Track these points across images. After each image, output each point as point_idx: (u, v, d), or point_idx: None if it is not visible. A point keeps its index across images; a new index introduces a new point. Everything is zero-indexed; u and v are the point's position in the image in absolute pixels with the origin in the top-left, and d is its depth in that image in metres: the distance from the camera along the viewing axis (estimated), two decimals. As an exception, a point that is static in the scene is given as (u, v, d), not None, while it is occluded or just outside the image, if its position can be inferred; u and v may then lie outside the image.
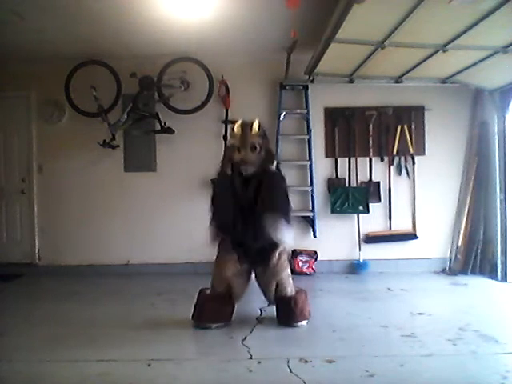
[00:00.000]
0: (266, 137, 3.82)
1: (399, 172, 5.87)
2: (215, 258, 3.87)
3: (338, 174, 5.90)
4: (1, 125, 6.07)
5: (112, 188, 5.97)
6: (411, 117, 5.82)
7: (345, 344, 3.39)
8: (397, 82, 5.49)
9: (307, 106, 5.78)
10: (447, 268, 5.77)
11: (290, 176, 5.80)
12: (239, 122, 3.70)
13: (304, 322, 3.82)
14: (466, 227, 5.67)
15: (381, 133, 5.87)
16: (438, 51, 4.28)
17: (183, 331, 3.94)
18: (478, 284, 5.20)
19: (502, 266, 5.26)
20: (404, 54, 4.44)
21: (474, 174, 5.69)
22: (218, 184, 3.88)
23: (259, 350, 3.27)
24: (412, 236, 5.85)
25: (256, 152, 3.64)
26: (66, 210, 5.98)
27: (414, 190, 5.87)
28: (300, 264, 5.71)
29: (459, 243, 5.69)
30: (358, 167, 5.87)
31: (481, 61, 4.50)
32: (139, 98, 5.72)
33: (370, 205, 5.77)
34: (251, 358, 3.13)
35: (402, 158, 5.86)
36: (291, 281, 3.89)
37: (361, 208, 5.76)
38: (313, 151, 5.78)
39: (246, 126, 3.67)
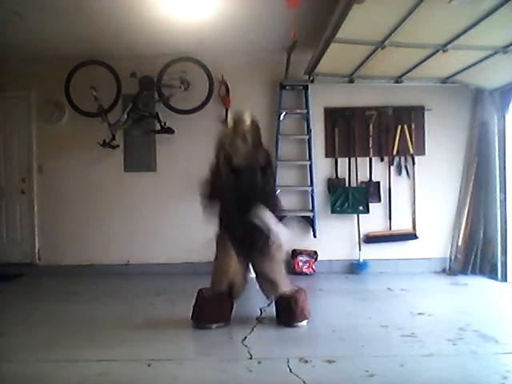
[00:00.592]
0: (258, 127, 3.88)
1: (399, 172, 5.87)
2: (214, 256, 3.89)
3: (338, 173, 5.90)
4: (1, 125, 6.08)
5: (112, 188, 5.97)
6: (411, 117, 5.82)
7: (345, 344, 3.40)
8: (397, 82, 5.49)
9: (307, 106, 5.78)
10: (447, 268, 5.78)
11: (290, 176, 5.84)
12: (231, 115, 3.79)
13: (304, 322, 3.83)
14: (466, 227, 5.67)
15: (381, 133, 5.87)
16: (438, 51, 4.28)
17: (183, 331, 3.94)
18: (478, 284, 5.20)
19: (502, 266, 5.26)
20: (404, 54, 4.44)
21: (473, 174, 5.69)
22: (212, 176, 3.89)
23: (259, 349, 3.27)
24: (412, 236, 5.85)
25: (247, 143, 3.74)
26: (66, 209, 5.98)
27: (414, 190, 5.87)
28: (300, 264, 5.71)
29: (459, 243, 5.69)
30: (358, 167, 5.87)
31: (481, 61, 4.50)
32: (139, 98, 5.72)
33: (370, 205, 5.76)
34: (251, 358, 3.13)
35: (402, 158, 5.86)
36: (285, 277, 3.93)
37: (361, 208, 5.77)
38: (313, 151, 5.78)
39: (238, 118, 3.78)
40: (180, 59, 5.61)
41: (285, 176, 5.82)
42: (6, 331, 3.79)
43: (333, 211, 5.77)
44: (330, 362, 3.05)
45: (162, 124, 5.69)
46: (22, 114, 6.05)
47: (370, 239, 5.85)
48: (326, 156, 5.91)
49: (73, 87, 5.76)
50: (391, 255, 5.83)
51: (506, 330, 3.72)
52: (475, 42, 4.01)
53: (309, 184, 5.80)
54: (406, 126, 5.81)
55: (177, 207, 5.88)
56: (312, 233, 5.78)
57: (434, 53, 4.34)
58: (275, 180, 3.95)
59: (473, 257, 5.57)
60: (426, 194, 5.86)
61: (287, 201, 5.83)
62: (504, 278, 5.22)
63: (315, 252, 5.78)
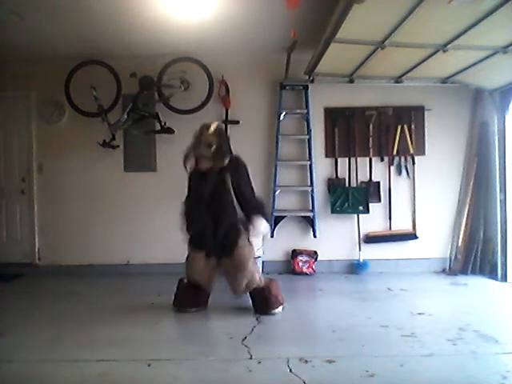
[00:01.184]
0: (223, 135, 4.34)
1: (399, 172, 5.87)
2: (187, 255, 4.30)
3: (338, 173, 5.90)
4: (1, 125, 6.08)
5: (112, 188, 5.97)
6: (411, 117, 5.82)
7: (345, 344, 3.39)
8: (397, 82, 5.49)
9: (307, 106, 5.78)
10: (447, 268, 5.78)
11: (290, 176, 5.84)
12: (201, 125, 4.25)
13: (280, 308, 4.14)
14: (466, 227, 5.67)
15: (381, 133, 5.87)
16: (438, 51, 4.28)
17: (183, 331, 3.95)
18: (478, 284, 5.20)
19: (502, 266, 5.26)
20: (404, 54, 4.44)
21: (473, 174, 5.69)
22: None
23: (259, 349, 3.27)
24: (412, 236, 5.85)
25: (211, 149, 4.11)
26: (66, 209, 5.99)
27: (414, 190, 5.87)
28: (300, 264, 5.71)
29: (459, 243, 5.69)
30: (358, 167, 5.87)
31: (481, 61, 4.50)
32: (139, 98, 5.72)
33: (370, 205, 5.76)
34: (251, 358, 3.13)
35: (402, 158, 5.86)
36: (258, 269, 4.29)
37: (361, 208, 5.77)
38: (313, 151, 5.78)
39: (204, 127, 4.19)
40: (180, 59, 5.61)
41: (285, 176, 5.82)
42: (6, 331, 3.78)
43: (333, 211, 5.77)
44: (330, 361, 3.04)
45: (162, 124, 5.69)
46: (22, 114, 6.05)
47: (370, 239, 5.85)
48: (326, 156, 5.91)
49: (73, 87, 5.76)
50: (391, 255, 5.83)
51: (506, 330, 3.72)
52: (475, 42, 4.01)
53: (309, 184, 5.80)
54: (405, 126, 5.81)
55: (177, 207, 5.86)
56: (312, 233, 5.78)
57: (434, 53, 4.34)
58: (250, 183, 4.25)
59: (473, 257, 5.57)
60: (425, 194, 5.86)
61: (287, 201, 5.87)
62: (504, 278, 5.22)
63: (315, 252, 5.78)
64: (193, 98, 5.66)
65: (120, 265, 5.87)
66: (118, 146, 5.82)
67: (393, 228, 5.88)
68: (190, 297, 4.21)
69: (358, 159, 5.87)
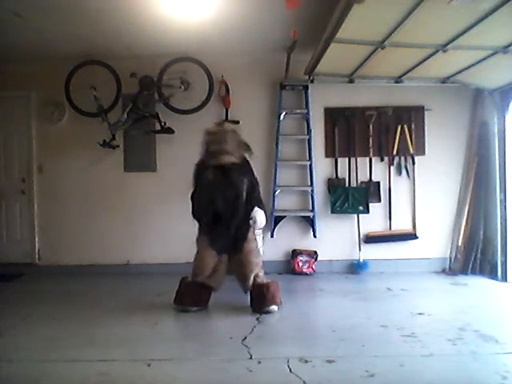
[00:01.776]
0: (238, 135, 4.41)
1: (399, 172, 5.87)
2: (196, 252, 4.33)
3: (338, 173, 5.90)
4: (1, 125, 6.08)
5: (112, 188, 5.97)
6: (411, 117, 5.82)
7: (345, 344, 3.39)
8: (397, 82, 5.49)
9: (307, 106, 5.78)
10: (447, 268, 5.78)
11: (290, 176, 5.84)
12: (215, 123, 4.55)
13: (275, 308, 4.15)
14: (465, 227, 5.67)
15: (381, 133, 5.87)
16: (438, 51, 4.27)
17: (183, 331, 3.95)
18: (478, 284, 5.20)
19: (502, 266, 5.26)
20: (404, 54, 4.44)
21: (473, 173, 5.69)
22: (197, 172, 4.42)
23: (259, 349, 3.27)
24: (412, 236, 5.85)
25: (231, 144, 4.24)
26: (66, 209, 5.98)
27: (413, 190, 5.87)
28: (300, 264, 5.71)
29: (459, 243, 5.69)
30: (358, 167, 5.87)
31: (481, 61, 4.50)
32: (139, 98, 5.72)
33: (370, 205, 5.76)
34: (251, 358, 3.13)
35: (402, 158, 5.86)
36: (262, 269, 4.31)
37: (361, 208, 5.76)
38: (313, 151, 5.78)
39: (221, 124, 4.49)
40: (180, 59, 5.61)
41: (285, 176, 5.83)
42: (6, 331, 3.78)
43: (333, 211, 5.77)
44: (330, 361, 3.04)
45: (162, 124, 5.69)
46: (21, 114, 6.05)
47: (370, 239, 5.85)
48: (326, 156, 5.91)
49: (73, 87, 5.76)
50: (391, 255, 5.83)
51: (506, 330, 3.72)
52: (475, 42, 4.01)
53: (309, 184, 5.80)
54: (405, 126, 5.81)
55: (177, 207, 5.87)
56: (312, 233, 5.78)
57: (434, 53, 4.34)
58: (257, 182, 4.44)
59: (473, 257, 5.57)
60: (425, 194, 5.86)
61: (287, 201, 5.87)
62: (504, 278, 5.22)
63: (315, 252, 5.78)
64: (193, 97, 5.66)
65: (120, 265, 5.87)
66: (118, 146, 5.82)
67: (393, 228, 5.88)
68: (192, 296, 4.22)
69: (358, 159, 5.87)
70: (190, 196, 4.41)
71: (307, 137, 5.81)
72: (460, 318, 3.93)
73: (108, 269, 5.79)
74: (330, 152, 5.90)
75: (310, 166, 5.78)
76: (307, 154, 5.82)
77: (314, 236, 5.77)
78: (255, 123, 5.89)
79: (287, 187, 5.79)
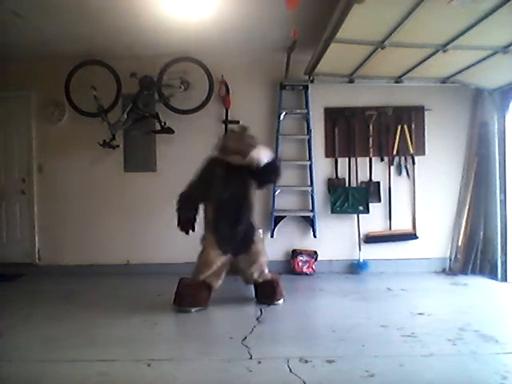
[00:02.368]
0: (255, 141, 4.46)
1: (399, 172, 5.87)
2: (201, 252, 4.38)
3: (338, 173, 5.90)
4: (1, 125, 6.07)
5: (112, 188, 5.97)
6: (411, 117, 5.82)
7: (345, 344, 3.40)
8: (397, 82, 5.49)
9: (307, 106, 5.78)
10: (447, 268, 5.78)
11: (290, 176, 5.83)
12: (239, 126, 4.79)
13: (282, 301, 4.44)
14: (466, 227, 5.67)
15: (381, 133, 5.87)
16: (438, 51, 4.27)
17: (183, 331, 3.96)
18: (478, 284, 5.20)
19: (502, 265, 5.26)
20: (404, 54, 4.44)
21: (473, 174, 5.69)
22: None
23: (259, 349, 3.28)
24: (412, 236, 5.85)
25: (248, 147, 4.29)
26: (66, 209, 5.98)
27: (414, 190, 5.87)
28: (300, 264, 5.71)
29: (459, 243, 5.69)
30: (358, 167, 5.87)
31: (481, 61, 4.50)
32: (139, 98, 5.72)
33: (370, 205, 5.76)
34: (251, 358, 3.13)
35: (402, 158, 5.86)
36: (267, 264, 4.52)
37: (361, 208, 5.76)
38: (313, 151, 5.79)
39: (243, 128, 4.52)
40: (180, 59, 5.61)
41: (285, 176, 5.79)
42: (7, 331, 3.79)
43: (333, 211, 5.77)
44: (330, 362, 3.05)
45: (162, 124, 5.69)
46: (22, 114, 6.04)
47: (370, 239, 5.85)
48: (326, 156, 5.91)
49: (73, 87, 5.76)
50: (391, 255, 5.83)
51: (506, 329, 3.72)
52: (475, 42, 4.01)
53: (309, 184, 5.80)
54: (405, 126, 5.81)
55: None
56: (312, 233, 5.78)
57: (434, 53, 4.34)
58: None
59: (473, 257, 5.57)
60: (425, 194, 5.86)
61: (287, 201, 5.87)
62: (504, 278, 5.22)
63: (315, 252, 5.78)
64: (193, 97, 5.66)
65: (120, 265, 5.87)
66: (117, 146, 5.82)
67: (393, 228, 5.88)
68: (191, 296, 4.25)
69: (358, 159, 5.87)
70: (189, 183, 4.43)
71: (307, 137, 5.81)
72: (460, 317, 3.94)
73: (108, 269, 5.79)
74: (330, 152, 5.90)
75: (310, 166, 5.78)
76: (307, 154, 5.82)
77: (314, 236, 5.77)
78: (255, 123, 5.85)
79: (287, 187, 5.79)
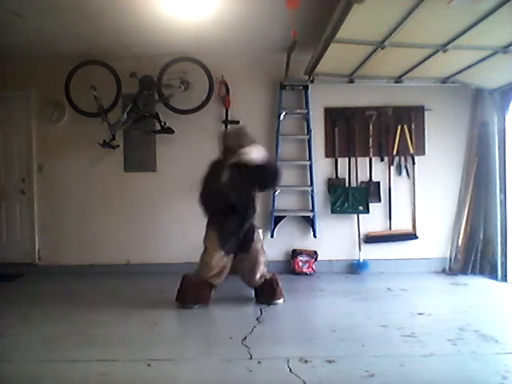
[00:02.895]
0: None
1: (399, 172, 5.87)
2: (203, 251, 4.41)
3: (338, 173, 5.90)
4: (1, 125, 6.07)
5: (112, 188, 5.96)
6: (411, 117, 5.82)
7: (345, 344, 3.40)
8: (397, 82, 5.49)
9: (307, 106, 5.78)
10: (447, 268, 5.77)
11: (290, 176, 5.83)
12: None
13: (282, 300, 4.46)
14: (465, 227, 5.67)
15: (381, 133, 5.87)
16: (438, 51, 4.27)
17: (183, 331, 3.96)
18: (478, 284, 5.20)
19: (502, 265, 5.26)
20: (404, 53, 4.44)
21: (473, 174, 5.69)
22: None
23: (259, 349, 3.27)
24: (412, 236, 5.85)
25: (251, 148, 4.34)
26: (66, 209, 5.98)
27: (413, 190, 5.87)
28: (300, 264, 5.71)
29: (459, 243, 5.69)
30: (358, 167, 5.87)
31: (481, 61, 4.49)
32: (139, 98, 5.72)
33: (370, 205, 5.76)
34: (251, 358, 3.13)
35: (402, 158, 5.86)
36: (266, 266, 4.56)
37: (361, 208, 5.76)
38: (313, 151, 5.79)
39: (243, 129, 4.63)
40: (180, 59, 5.61)
41: (285, 176, 5.80)
42: (6, 331, 3.79)
43: (333, 211, 5.76)
44: (330, 361, 3.05)
45: (162, 124, 5.69)
46: (21, 114, 6.04)
47: (370, 239, 5.85)
48: (326, 156, 5.91)
49: (73, 87, 5.76)
50: (391, 255, 5.83)
51: (506, 329, 3.72)
52: (475, 42, 4.01)
53: (309, 184, 5.80)
54: (405, 126, 5.81)
55: (177, 207, 5.88)
56: (312, 233, 5.78)
57: (434, 53, 4.34)
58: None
59: (473, 257, 5.57)
60: (426, 194, 5.86)
61: (287, 201, 5.87)
62: (504, 278, 5.22)
63: (315, 252, 5.78)
64: (193, 98, 5.66)
65: (120, 265, 5.87)
66: (117, 146, 5.82)
67: (393, 228, 5.88)
68: (194, 293, 4.31)
69: (358, 159, 5.87)
70: (201, 192, 4.37)
71: (307, 137, 5.81)
72: (460, 317, 3.93)
73: (108, 269, 5.79)
74: (330, 152, 5.90)
75: (310, 166, 5.78)
76: (307, 154, 5.82)
77: (314, 236, 5.77)
78: (255, 123, 5.87)
79: (287, 187, 5.78)
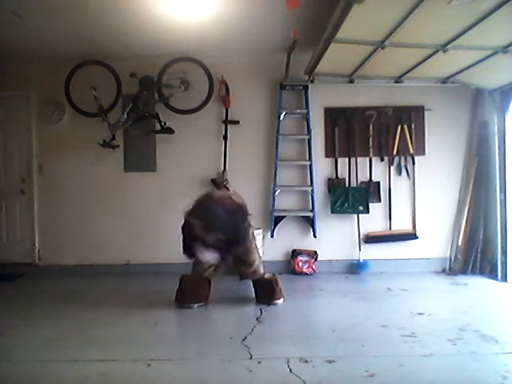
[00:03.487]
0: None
1: (399, 172, 5.87)
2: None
3: (338, 173, 5.90)
4: (1, 125, 6.07)
5: (112, 188, 5.96)
6: (411, 117, 5.82)
7: (345, 344, 3.40)
8: (397, 82, 5.49)
9: (307, 106, 5.78)
10: (447, 268, 5.77)
11: (290, 176, 5.84)
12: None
13: (281, 300, 4.44)
14: (466, 227, 5.67)
15: (381, 133, 5.86)
16: (438, 51, 4.27)
17: (183, 331, 3.95)
18: (478, 284, 5.20)
19: (502, 265, 5.26)
20: (404, 53, 4.44)
21: (473, 174, 5.69)
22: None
23: (259, 349, 3.28)
24: (412, 236, 5.85)
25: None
26: (66, 209, 5.98)
27: (413, 190, 5.87)
28: (300, 264, 5.71)
29: (459, 243, 5.69)
30: (358, 167, 5.87)
31: (481, 61, 4.49)
32: (139, 98, 5.72)
33: (370, 205, 5.76)
34: (251, 358, 3.13)
35: (402, 158, 5.86)
36: (261, 263, 4.54)
37: (361, 208, 5.76)
38: (313, 151, 5.78)
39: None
40: (180, 59, 5.61)
41: (285, 176, 5.83)
42: (7, 331, 3.79)
43: (333, 211, 5.76)
44: (330, 362, 3.05)
45: (162, 124, 5.69)
46: (21, 114, 6.04)
47: (370, 239, 5.85)
48: (326, 156, 5.91)
49: (73, 87, 5.76)
50: (391, 255, 5.83)
51: (506, 329, 3.72)
52: (475, 42, 4.01)
53: (309, 184, 5.80)
54: (405, 126, 5.81)
55: (177, 207, 5.86)
56: (312, 233, 5.78)
57: (434, 53, 4.34)
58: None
59: (473, 257, 5.57)
60: (425, 194, 5.86)
61: (287, 201, 5.87)
62: (504, 278, 5.22)
63: (315, 252, 5.78)
64: (193, 98, 5.66)
65: (120, 265, 5.87)
66: (117, 146, 5.82)
67: (393, 228, 5.87)
68: (192, 293, 4.32)
69: (358, 159, 5.87)
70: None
71: (307, 137, 5.80)
72: (460, 317, 3.94)
73: (108, 269, 5.79)
74: (330, 152, 5.90)
75: (310, 166, 5.78)
76: (307, 154, 5.82)
77: (314, 236, 5.77)
78: (255, 123, 5.89)
79: (287, 187, 5.79)
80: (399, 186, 5.88)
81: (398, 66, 5.02)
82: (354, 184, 5.87)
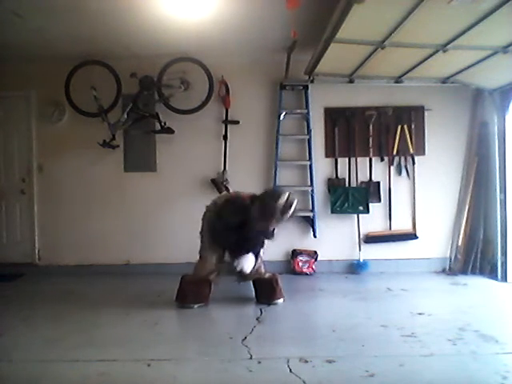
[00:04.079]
0: None
1: (399, 172, 5.87)
2: (199, 252, 4.44)
3: (338, 173, 5.90)
4: (1, 125, 6.07)
5: (112, 188, 5.96)
6: (411, 117, 5.82)
7: (345, 344, 3.39)
8: (397, 82, 5.49)
9: (307, 106, 5.78)
10: (447, 268, 5.77)
11: (290, 176, 5.84)
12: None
13: (282, 300, 4.45)
14: (465, 227, 5.67)
15: (381, 133, 5.86)
16: (438, 51, 4.27)
17: (183, 331, 3.95)
18: (478, 284, 5.20)
19: (502, 265, 5.26)
20: (404, 53, 4.44)
21: (473, 174, 5.69)
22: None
23: (259, 349, 3.28)
24: (412, 236, 5.85)
25: None
26: (66, 209, 5.98)
27: (413, 190, 5.87)
28: (300, 264, 5.71)
29: (459, 243, 5.69)
30: (358, 167, 5.87)
31: (481, 61, 4.50)
32: (139, 98, 5.72)
33: (370, 205, 5.76)
34: (251, 358, 3.13)
35: (402, 158, 5.86)
36: (262, 264, 4.57)
37: (361, 208, 5.76)
38: (313, 151, 5.78)
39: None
40: (180, 59, 5.61)
41: (285, 176, 5.82)
42: (7, 331, 3.79)
43: (333, 211, 5.76)
44: (330, 361, 3.05)
45: (162, 124, 5.69)
46: (21, 114, 6.04)
47: (370, 239, 5.85)
48: (326, 156, 5.91)
49: (73, 87, 5.76)
50: (391, 255, 5.83)
51: (506, 329, 3.72)
52: (475, 42, 4.01)
53: (309, 184, 5.80)
54: (405, 126, 5.81)
55: (177, 207, 5.88)
56: (312, 233, 5.78)
57: (434, 53, 4.34)
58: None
59: (473, 257, 5.57)
60: (426, 194, 5.86)
61: (287, 201, 5.86)
62: (504, 278, 5.22)
63: (315, 252, 5.78)
64: (193, 98, 5.66)
65: (120, 265, 5.87)
66: (117, 146, 5.82)
67: (393, 228, 5.87)
68: (193, 292, 4.33)
69: (358, 159, 5.87)
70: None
71: (307, 137, 5.81)
72: (460, 317, 3.93)
73: (108, 269, 5.79)
74: (330, 152, 5.90)
75: (310, 166, 5.78)
76: (307, 154, 5.82)
77: (314, 236, 5.77)
78: (255, 123, 5.89)
79: (287, 187, 5.77)
80: (399, 186, 5.88)
81: (398, 66, 5.02)
82: (354, 184, 5.87)
